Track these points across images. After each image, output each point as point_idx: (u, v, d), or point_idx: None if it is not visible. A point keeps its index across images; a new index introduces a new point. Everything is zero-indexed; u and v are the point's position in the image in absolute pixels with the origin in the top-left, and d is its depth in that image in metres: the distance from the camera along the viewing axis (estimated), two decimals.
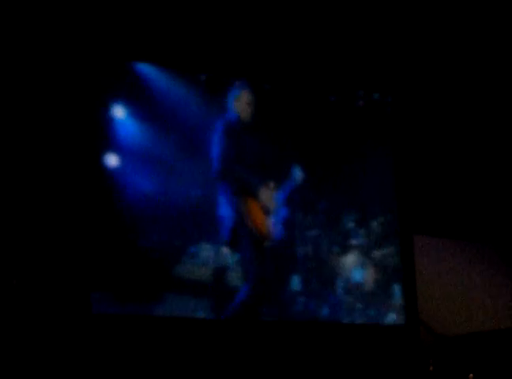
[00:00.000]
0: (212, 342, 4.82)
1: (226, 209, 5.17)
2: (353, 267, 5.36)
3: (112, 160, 4.88)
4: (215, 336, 4.86)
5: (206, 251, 5.02)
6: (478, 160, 5.91)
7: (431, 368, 5.11)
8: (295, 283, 5.22)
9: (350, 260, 5.37)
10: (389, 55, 5.62)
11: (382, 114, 5.66)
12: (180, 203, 5.01)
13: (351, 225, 5.42)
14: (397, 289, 5.39)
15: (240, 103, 5.30)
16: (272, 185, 5.31)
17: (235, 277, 5.06)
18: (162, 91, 5.10)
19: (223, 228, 5.13)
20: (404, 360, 5.20)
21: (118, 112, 4.91)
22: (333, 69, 5.54)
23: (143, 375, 4.56)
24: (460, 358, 5.07)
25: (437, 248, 5.77)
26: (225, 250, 5.08)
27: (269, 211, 5.28)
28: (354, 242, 5.40)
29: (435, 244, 5.76)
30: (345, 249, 5.37)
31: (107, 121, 4.91)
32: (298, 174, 5.34)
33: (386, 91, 5.67)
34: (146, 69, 5.06)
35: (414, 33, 5.55)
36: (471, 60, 5.67)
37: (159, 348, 4.66)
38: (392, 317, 5.31)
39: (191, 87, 5.20)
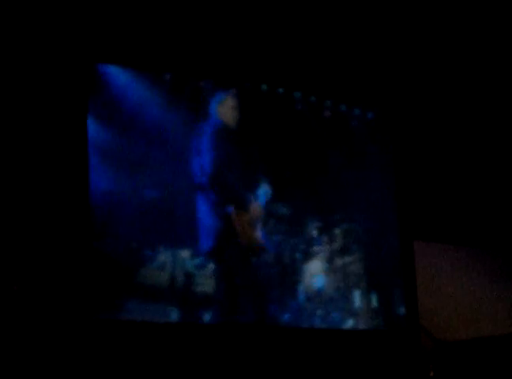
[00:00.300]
0: (191, 346, 4.73)
1: (211, 218, 4.97)
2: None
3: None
4: (191, 341, 4.76)
5: (164, 256, 4.80)
6: (476, 166, 5.92)
7: (432, 373, 5.11)
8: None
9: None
10: (367, 66, 5.58)
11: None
12: (140, 205, 4.78)
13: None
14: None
15: (224, 108, 5.14)
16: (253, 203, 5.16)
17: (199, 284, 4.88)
18: (126, 91, 4.88)
19: (206, 238, 4.93)
20: (404, 365, 5.20)
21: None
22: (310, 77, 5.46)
23: None
24: (460, 364, 5.08)
25: (437, 253, 5.78)
26: (184, 255, 4.86)
27: (256, 223, 5.13)
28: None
29: (435, 250, 5.77)
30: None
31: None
32: (266, 189, 5.18)
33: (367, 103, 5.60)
34: (108, 69, 4.85)
35: (396, 46, 5.56)
36: (459, 62, 5.67)
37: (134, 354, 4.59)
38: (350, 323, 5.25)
39: (155, 87, 4.97)
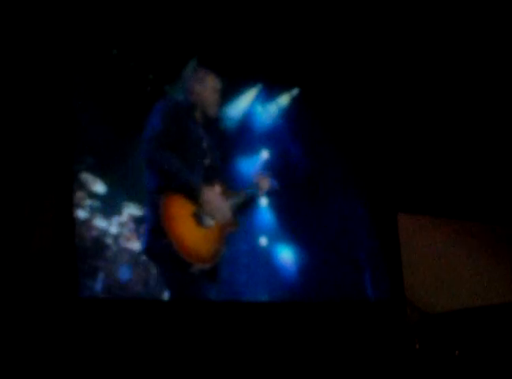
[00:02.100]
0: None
1: (147, 207, 4.20)
2: None
3: None
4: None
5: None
6: (465, 137, 5.89)
7: (417, 346, 5.11)
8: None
9: None
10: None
11: None
12: None
13: None
14: None
15: (203, 87, 4.55)
16: (219, 188, 4.44)
17: None
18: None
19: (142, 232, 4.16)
20: (390, 338, 5.20)
21: None
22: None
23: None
24: (446, 336, 5.07)
25: (421, 226, 5.76)
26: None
27: (211, 219, 4.31)
28: None
29: (419, 222, 5.75)
30: None
31: None
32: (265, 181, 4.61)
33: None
34: None
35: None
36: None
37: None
38: None
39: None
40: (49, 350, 4.21)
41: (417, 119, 5.76)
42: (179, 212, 4.23)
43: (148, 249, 4.15)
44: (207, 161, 4.45)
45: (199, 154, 4.46)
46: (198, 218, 4.27)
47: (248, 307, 4.78)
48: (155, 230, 4.15)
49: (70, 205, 4.27)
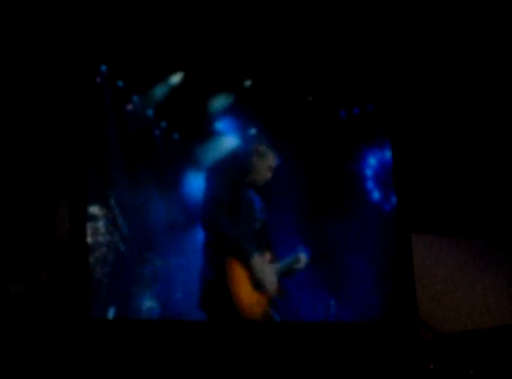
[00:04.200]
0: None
1: (205, 264, 4.67)
2: None
3: None
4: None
5: None
6: (476, 158, 5.90)
7: (431, 366, 5.11)
8: None
9: None
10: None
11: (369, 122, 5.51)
12: None
13: None
14: None
15: (263, 163, 4.90)
16: (269, 257, 4.83)
17: None
18: None
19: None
20: (404, 358, 5.20)
21: None
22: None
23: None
24: (460, 356, 5.07)
25: (434, 245, 5.76)
26: None
27: (263, 285, 4.72)
28: None
29: (434, 242, 5.75)
30: None
31: None
32: (303, 257, 4.88)
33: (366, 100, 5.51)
34: None
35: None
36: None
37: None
38: None
39: None
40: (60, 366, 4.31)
41: (429, 138, 5.77)
42: (239, 274, 4.62)
43: (204, 301, 4.56)
44: (258, 225, 4.81)
45: (251, 218, 4.82)
46: (257, 280, 4.64)
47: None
48: (215, 286, 4.55)
49: (83, 231, 4.50)
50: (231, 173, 4.88)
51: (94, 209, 4.70)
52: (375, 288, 5.34)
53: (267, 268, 4.74)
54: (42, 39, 4.68)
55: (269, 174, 4.91)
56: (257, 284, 4.70)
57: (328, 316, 5.13)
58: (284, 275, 4.90)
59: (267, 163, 4.93)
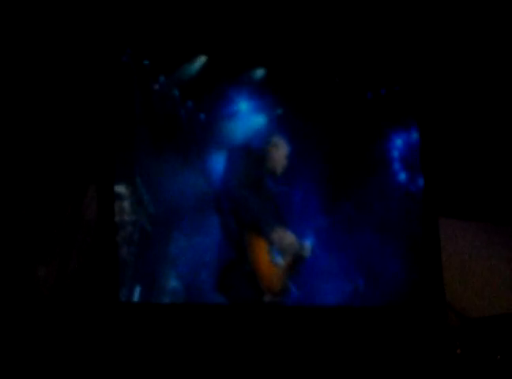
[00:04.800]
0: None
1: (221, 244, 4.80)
2: None
3: None
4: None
5: None
6: (505, 141, 5.84)
7: (459, 350, 5.07)
8: None
9: None
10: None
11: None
12: None
13: None
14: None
15: (276, 152, 5.07)
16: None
17: None
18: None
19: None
20: (431, 343, 5.17)
21: None
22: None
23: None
24: (487, 341, 5.03)
25: (462, 230, 5.72)
26: None
27: (278, 258, 4.89)
28: None
29: (461, 226, 5.71)
30: None
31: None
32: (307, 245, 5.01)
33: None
34: None
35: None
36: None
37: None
38: None
39: None
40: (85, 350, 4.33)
41: (457, 120, 5.72)
42: (260, 248, 4.81)
43: (222, 283, 4.68)
44: (276, 208, 4.98)
45: (270, 200, 5.00)
46: (271, 255, 4.82)
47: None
48: (235, 263, 4.70)
49: (111, 214, 4.59)
50: (252, 157, 5.05)
51: (120, 188, 4.73)
52: (402, 271, 5.31)
53: (288, 238, 4.86)
54: (68, 22, 4.73)
55: (285, 162, 5.07)
56: (275, 257, 4.85)
57: (355, 297, 5.13)
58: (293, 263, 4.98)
59: (282, 152, 5.09)
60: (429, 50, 5.54)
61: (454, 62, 5.62)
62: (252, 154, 5.06)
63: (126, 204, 4.72)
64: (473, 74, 5.66)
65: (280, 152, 5.10)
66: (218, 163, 4.93)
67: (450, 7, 5.34)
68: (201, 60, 4.95)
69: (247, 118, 5.01)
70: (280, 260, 4.91)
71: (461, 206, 5.69)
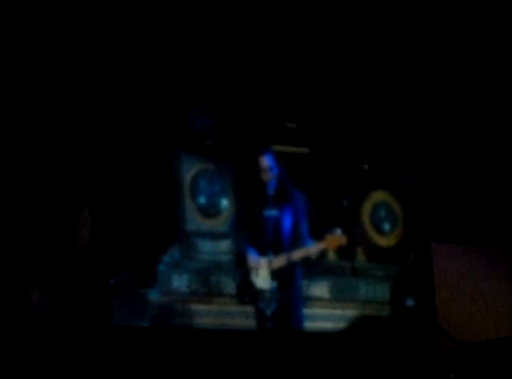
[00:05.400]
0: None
1: None
2: None
3: None
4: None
5: None
6: (495, 167, 5.89)
7: (452, 375, 5.06)
8: None
9: None
10: None
11: None
12: None
13: None
14: None
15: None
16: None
17: None
18: None
19: None
20: (424, 367, 5.17)
21: None
22: None
23: None
24: (481, 365, 5.03)
25: (455, 255, 5.75)
26: None
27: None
28: None
29: (453, 251, 5.74)
30: None
31: None
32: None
33: None
34: None
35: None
36: None
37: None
38: None
39: None
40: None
41: (448, 149, 5.79)
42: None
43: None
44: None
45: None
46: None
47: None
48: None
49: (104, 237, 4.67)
50: None
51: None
52: (395, 296, 5.32)
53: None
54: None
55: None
56: None
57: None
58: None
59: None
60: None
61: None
62: None
63: None
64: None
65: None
66: None
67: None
68: None
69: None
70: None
71: (454, 231, 5.72)
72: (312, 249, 5.14)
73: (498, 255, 5.88)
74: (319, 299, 5.18)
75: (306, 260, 5.12)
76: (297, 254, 5.10)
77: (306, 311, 5.09)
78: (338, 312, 5.20)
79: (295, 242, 5.13)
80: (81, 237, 4.72)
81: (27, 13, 4.65)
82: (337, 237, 5.19)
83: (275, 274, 5.03)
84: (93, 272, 4.63)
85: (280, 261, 5.04)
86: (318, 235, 5.17)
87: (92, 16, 4.81)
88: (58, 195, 4.71)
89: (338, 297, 5.23)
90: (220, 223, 5.04)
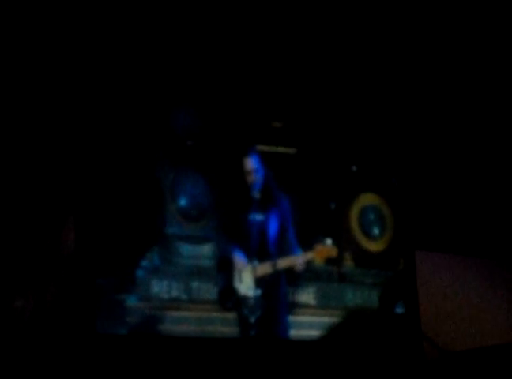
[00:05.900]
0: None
1: None
2: None
3: None
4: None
5: None
6: (481, 175, 5.91)
7: None
8: None
9: None
10: None
11: None
12: None
13: None
14: None
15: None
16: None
17: None
18: None
19: None
20: (408, 376, 5.17)
21: None
22: None
23: None
24: (465, 374, 5.05)
25: (439, 263, 5.76)
26: None
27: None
28: None
29: (438, 259, 5.75)
30: None
31: None
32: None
33: None
34: None
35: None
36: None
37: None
38: None
39: None
40: None
41: (434, 157, 5.80)
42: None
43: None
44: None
45: None
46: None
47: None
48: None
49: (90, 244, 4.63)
50: None
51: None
52: (384, 303, 5.33)
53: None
54: None
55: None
56: None
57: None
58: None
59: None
60: None
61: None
62: None
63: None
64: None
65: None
66: None
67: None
68: None
69: None
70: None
71: (439, 240, 5.73)
72: (299, 258, 5.07)
73: (483, 263, 5.90)
74: (305, 306, 5.10)
75: (291, 269, 5.08)
76: (283, 262, 5.03)
77: (292, 318, 5.03)
78: (324, 319, 5.14)
79: (282, 249, 5.05)
80: (66, 243, 4.70)
81: (16, 11, 4.60)
82: (327, 248, 5.11)
83: (259, 281, 4.97)
84: (78, 278, 4.61)
85: (264, 269, 4.98)
86: (304, 241, 5.10)
87: (73, 17, 4.76)
88: (42, 202, 4.69)
89: (324, 303, 5.15)
90: (201, 227, 4.94)
